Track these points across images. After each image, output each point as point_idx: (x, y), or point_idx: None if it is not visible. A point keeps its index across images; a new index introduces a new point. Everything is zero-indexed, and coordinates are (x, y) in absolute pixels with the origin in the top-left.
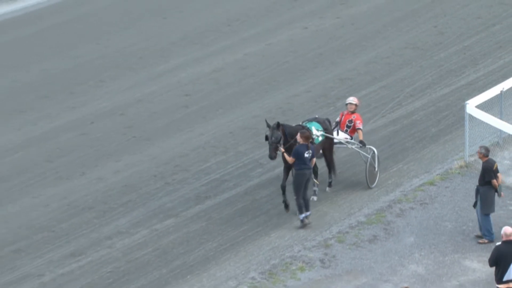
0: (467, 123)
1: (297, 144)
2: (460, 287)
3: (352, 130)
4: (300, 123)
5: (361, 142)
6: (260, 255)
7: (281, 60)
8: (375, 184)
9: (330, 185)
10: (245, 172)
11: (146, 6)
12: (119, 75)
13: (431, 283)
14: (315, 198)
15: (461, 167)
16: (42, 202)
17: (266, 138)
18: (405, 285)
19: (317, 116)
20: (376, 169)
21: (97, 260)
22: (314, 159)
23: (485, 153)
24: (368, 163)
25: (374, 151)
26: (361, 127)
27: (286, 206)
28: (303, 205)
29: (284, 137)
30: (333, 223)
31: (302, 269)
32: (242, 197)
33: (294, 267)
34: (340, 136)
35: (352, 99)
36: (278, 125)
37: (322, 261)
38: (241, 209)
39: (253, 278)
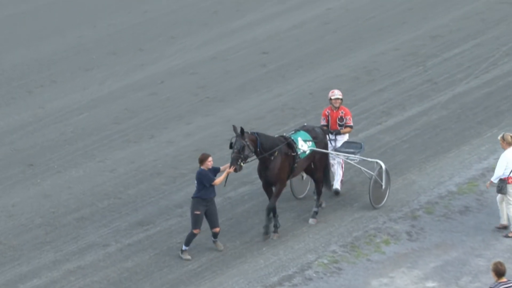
0: None
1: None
2: None
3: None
4: (284, 134)
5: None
6: (342, 227)
7: (367, 15)
8: (382, 204)
9: (314, 216)
10: None
11: None
12: (191, 31)
13: None
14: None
15: None
16: (108, 167)
17: (231, 145)
18: (499, 260)
19: (305, 124)
20: (384, 187)
21: (167, 229)
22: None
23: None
24: (372, 180)
25: (381, 166)
26: (352, 124)
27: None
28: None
29: (254, 148)
30: (421, 193)
31: (387, 242)
32: None
33: (378, 240)
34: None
35: (338, 94)
36: (241, 132)
37: (409, 233)
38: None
39: (333, 251)
